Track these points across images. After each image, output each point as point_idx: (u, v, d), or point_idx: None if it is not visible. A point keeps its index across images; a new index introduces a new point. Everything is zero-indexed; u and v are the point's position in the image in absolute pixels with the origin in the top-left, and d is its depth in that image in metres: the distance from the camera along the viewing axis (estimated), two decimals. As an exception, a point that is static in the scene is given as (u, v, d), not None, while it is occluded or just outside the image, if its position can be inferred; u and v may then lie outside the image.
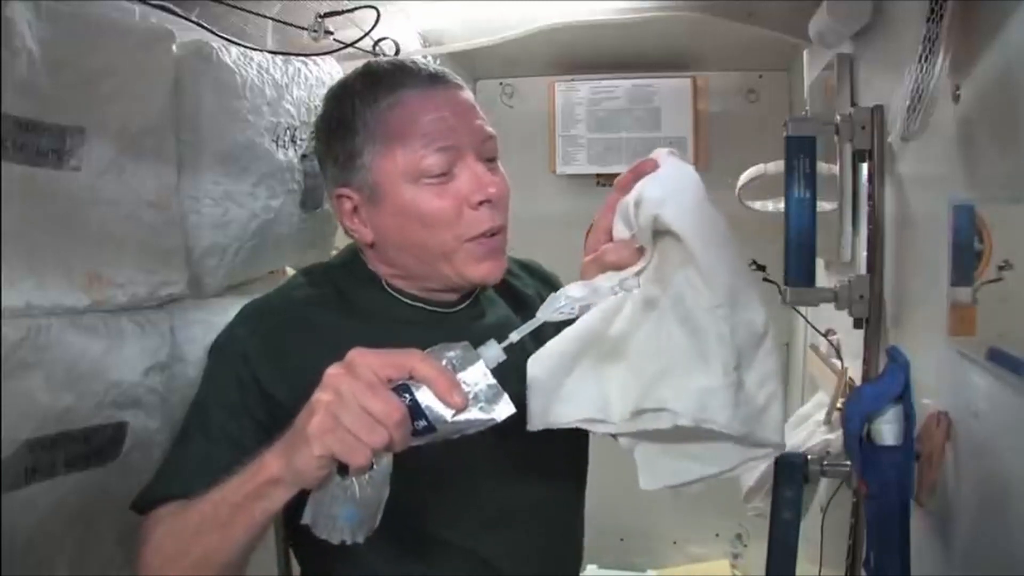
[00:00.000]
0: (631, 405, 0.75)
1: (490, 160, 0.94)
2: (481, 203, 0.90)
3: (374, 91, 0.91)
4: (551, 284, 1.15)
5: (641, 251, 0.79)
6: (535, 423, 0.79)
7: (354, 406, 0.65)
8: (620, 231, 0.81)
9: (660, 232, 0.76)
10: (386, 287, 0.97)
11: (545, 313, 0.73)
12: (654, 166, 0.78)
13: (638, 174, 0.79)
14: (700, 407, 0.71)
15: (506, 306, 1.06)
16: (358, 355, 0.68)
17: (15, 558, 0.83)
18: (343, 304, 0.96)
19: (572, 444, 1.03)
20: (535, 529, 0.97)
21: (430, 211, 0.90)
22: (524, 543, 0.97)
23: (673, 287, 0.75)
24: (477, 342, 0.99)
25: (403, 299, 0.97)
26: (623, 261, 0.79)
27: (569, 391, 0.78)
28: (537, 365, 0.79)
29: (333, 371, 0.68)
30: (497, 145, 0.95)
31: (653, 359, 0.75)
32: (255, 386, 0.89)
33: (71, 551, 0.92)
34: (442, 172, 0.89)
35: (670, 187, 0.75)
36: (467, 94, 0.94)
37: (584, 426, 0.79)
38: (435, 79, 0.92)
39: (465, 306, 1.01)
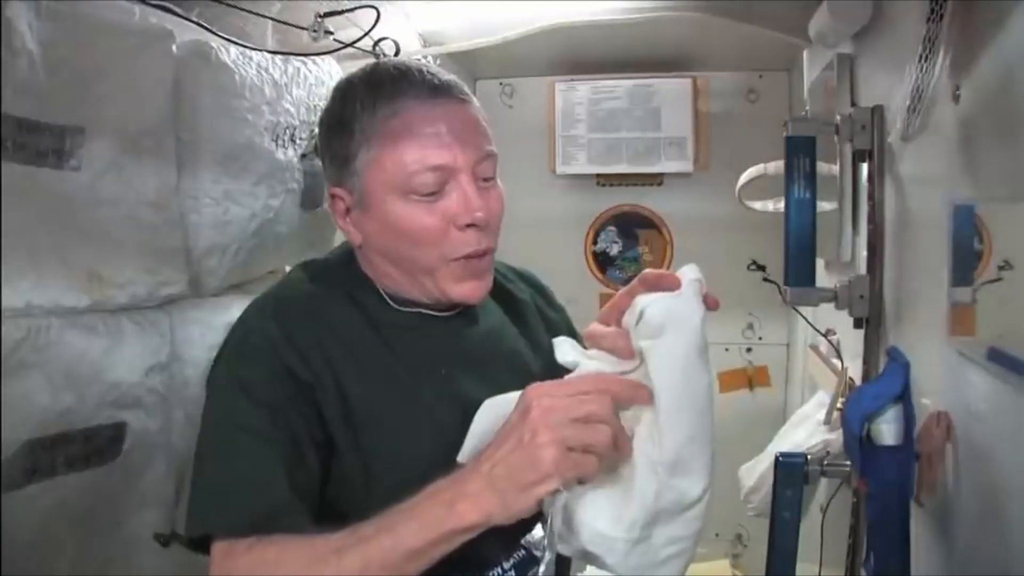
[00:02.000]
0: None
1: (486, 179, 0.92)
2: (468, 225, 0.89)
3: (374, 97, 0.89)
4: (545, 295, 1.15)
5: (633, 353, 0.78)
6: (463, 457, 0.81)
7: (567, 422, 0.69)
8: (626, 323, 0.79)
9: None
10: (379, 290, 0.97)
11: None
12: (676, 285, 0.76)
13: (659, 285, 0.77)
14: (596, 546, 0.74)
15: (501, 312, 1.06)
16: (547, 392, 0.71)
17: (15, 558, 0.83)
18: (346, 300, 0.95)
19: None
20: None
21: (416, 228, 0.88)
22: None
23: (640, 421, 0.75)
24: (471, 348, 0.99)
25: (395, 304, 0.96)
26: (618, 352, 0.79)
27: None
28: (488, 409, 0.82)
29: (533, 408, 0.70)
30: (496, 163, 0.93)
31: None
32: (288, 375, 0.85)
33: (71, 551, 0.92)
34: (432, 191, 0.88)
35: (671, 325, 0.73)
36: (471, 108, 0.92)
37: None
38: (438, 91, 0.89)
39: (459, 312, 1.00)
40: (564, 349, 0.82)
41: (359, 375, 0.88)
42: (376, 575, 0.72)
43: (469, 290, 0.93)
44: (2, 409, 0.80)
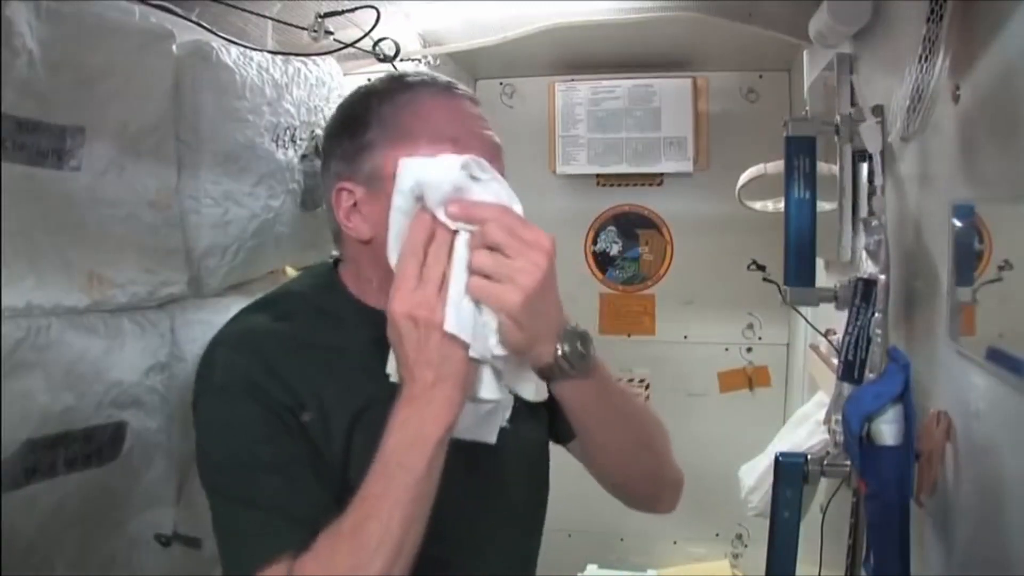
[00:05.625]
0: None
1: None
2: None
3: (391, 89, 0.92)
4: None
5: None
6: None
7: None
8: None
9: None
10: (361, 303, 0.96)
11: None
12: None
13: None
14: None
15: None
16: None
17: (15, 558, 0.83)
18: (320, 321, 0.94)
19: (538, 492, 1.04)
20: (496, 560, 0.97)
21: None
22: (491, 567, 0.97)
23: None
24: None
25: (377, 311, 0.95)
26: None
27: None
28: None
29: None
30: (503, 158, 0.95)
31: None
32: (270, 402, 0.84)
33: (71, 551, 0.92)
34: None
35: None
36: (479, 105, 0.95)
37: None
38: (452, 87, 0.93)
39: None
40: None
41: (338, 390, 0.87)
42: (409, 517, 0.74)
43: None
44: (2, 409, 0.80)
